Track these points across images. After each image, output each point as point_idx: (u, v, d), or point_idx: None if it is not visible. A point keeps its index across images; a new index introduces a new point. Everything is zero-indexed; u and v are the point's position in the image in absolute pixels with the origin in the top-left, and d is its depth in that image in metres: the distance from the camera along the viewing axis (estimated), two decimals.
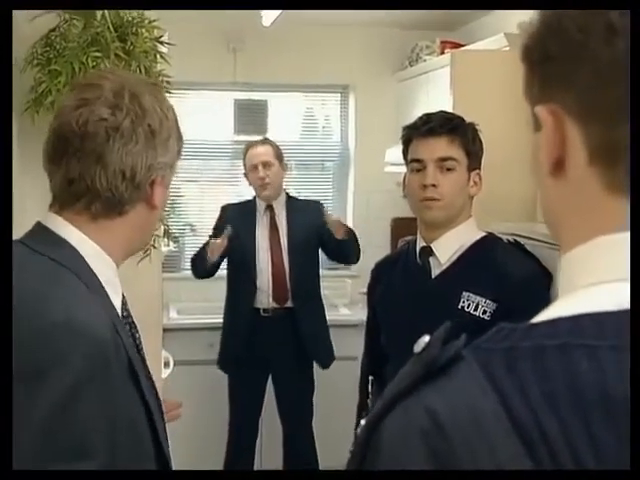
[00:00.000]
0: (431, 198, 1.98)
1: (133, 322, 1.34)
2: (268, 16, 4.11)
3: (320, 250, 3.88)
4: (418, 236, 2.09)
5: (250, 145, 3.86)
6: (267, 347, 3.77)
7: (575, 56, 0.59)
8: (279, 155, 3.82)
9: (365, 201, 5.00)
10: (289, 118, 5.13)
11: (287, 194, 3.95)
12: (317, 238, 3.79)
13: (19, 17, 2.02)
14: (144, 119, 1.23)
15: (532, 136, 0.65)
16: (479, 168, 2.04)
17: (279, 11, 3.96)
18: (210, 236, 3.88)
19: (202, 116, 4.89)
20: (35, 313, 1.08)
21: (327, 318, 4.01)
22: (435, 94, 4.08)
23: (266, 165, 3.75)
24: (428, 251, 2.04)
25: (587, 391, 0.53)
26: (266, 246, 3.83)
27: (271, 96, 5.01)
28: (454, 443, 0.54)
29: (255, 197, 3.89)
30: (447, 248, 2.01)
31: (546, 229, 0.70)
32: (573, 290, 0.61)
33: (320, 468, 3.88)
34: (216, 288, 4.05)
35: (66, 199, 1.23)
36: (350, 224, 4.49)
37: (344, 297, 4.95)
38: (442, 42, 4.49)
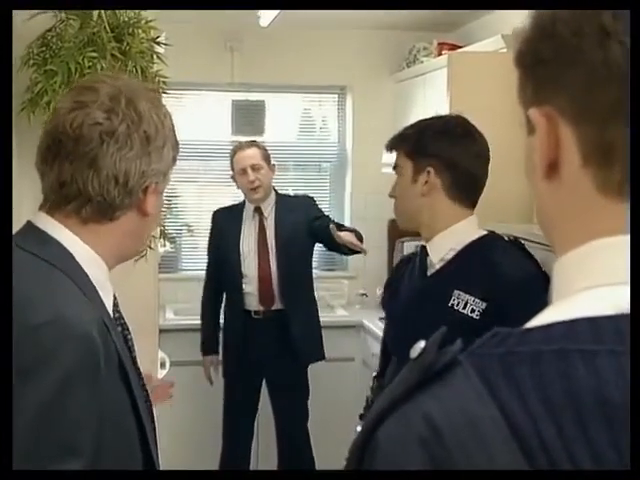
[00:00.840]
0: (395, 207, 2.12)
1: (125, 323, 1.33)
2: (266, 17, 4.10)
3: (316, 246, 3.86)
4: None
5: (237, 148, 3.83)
6: (260, 349, 3.77)
7: (569, 59, 0.59)
8: (267, 157, 3.80)
9: (362, 202, 4.99)
10: (286, 119, 5.12)
11: (276, 192, 3.92)
12: (309, 235, 3.76)
13: (16, 17, 2.01)
14: (140, 125, 1.22)
15: (526, 140, 0.65)
16: (432, 165, 1.99)
17: (277, 12, 3.96)
18: (208, 251, 3.98)
19: (199, 117, 4.89)
20: (24, 313, 1.07)
21: (324, 319, 4.00)
22: (432, 95, 4.08)
23: (255, 168, 3.73)
24: (426, 251, 2.07)
25: (585, 396, 0.53)
26: (253, 250, 3.83)
27: (269, 97, 5.00)
28: (452, 450, 0.53)
29: (244, 200, 3.89)
30: (440, 248, 2.03)
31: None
32: (568, 294, 0.60)
33: (318, 469, 3.88)
34: (202, 294, 4.04)
35: (56, 201, 1.23)
36: (347, 225, 4.48)
37: (341, 298, 4.95)
38: (439, 44, 4.49)
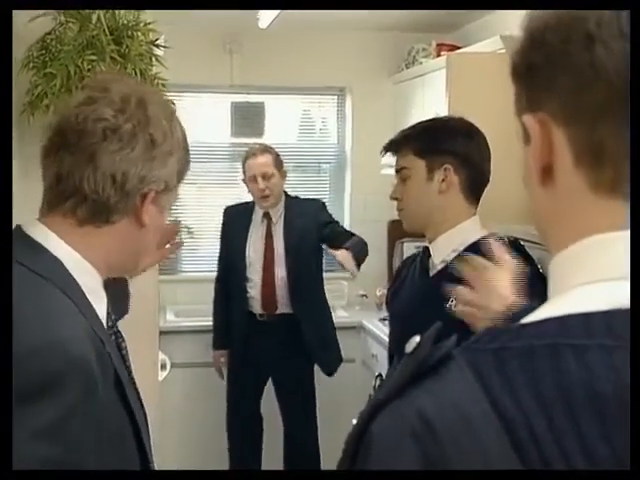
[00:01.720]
0: (399, 209, 2.10)
1: (118, 331, 1.29)
2: (265, 18, 4.11)
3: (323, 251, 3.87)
4: None
5: (250, 153, 3.81)
6: (264, 351, 3.78)
7: (558, 64, 0.62)
8: (279, 163, 3.79)
9: (362, 203, 5.00)
10: (286, 120, 5.13)
11: (286, 195, 3.91)
12: (319, 239, 3.77)
13: (16, 20, 2.02)
14: (147, 127, 1.19)
15: (522, 149, 0.67)
16: (449, 162, 2.00)
17: (276, 13, 3.96)
18: (220, 248, 3.99)
19: (199, 119, 4.89)
20: (16, 333, 1.01)
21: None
22: (431, 96, 4.09)
23: (265, 176, 3.72)
24: (428, 252, 2.08)
25: (576, 390, 0.54)
26: (260, 255, 3.83)
27: (268, 98, 5.01)
28: (445, 444, 0.54)
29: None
30: (442, 249, 2.04)
31: None
32: (563, 291, 0.62)
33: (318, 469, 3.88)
34: (213, 291, 4.06)
35: (54, 198, 1.20)
36: (347, 226, 4.49)
37: (341, 299, 4.95)
38: (438, 44, 4.49)
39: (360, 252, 3.57)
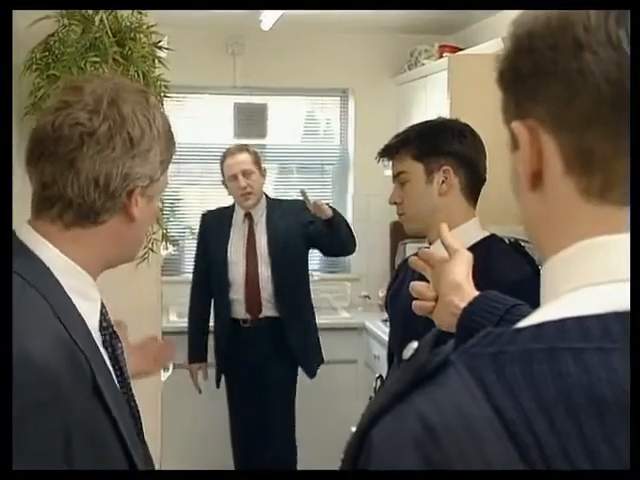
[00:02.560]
0: (400, 213, 2.10)
1: (114, 332, 1.27)
2: (267, 20, 4.12)
3: (313, 251, 3.84)
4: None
5: (227, 153, 3.77)
6: (252, 357, 3.74)
7: (546, 71, 0.62)
8: (258, 161, 3.75)
9: (365, 204, 5.00)
10: (289, 121, 5.13)
11: (267, 197, 3.87)
12: (304, 240, 3.72)
13: (18, 23, 2.02)
14: (123, 126, 1.18)
15: (511, 156, 0.68)
16: (447, 163, 2.00)
17: (278, 15, 3.97)
18: (196, 253, 3.93)
19: (202, 120, 4.90)
20: None
21: (326, 321, 3.99)
22: (433, 97, 4.09)
23: (246, 173, 3.68)
24: None
25: (575, 393, 0.54)
26: (241, 257, 3.78)
27: (271, 99, 5.02)
28: (448, 451, 0.54)
29: (234, 203, 3.84)
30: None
31: None
32: (556, 295, 0.62)
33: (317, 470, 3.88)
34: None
35: (41, 205, 1.20)
36: (349, 224, 4.48)
37: (343, 300, 4.95)
38: (440, 46, 4.50)
39: (342, 222, 3.57)
